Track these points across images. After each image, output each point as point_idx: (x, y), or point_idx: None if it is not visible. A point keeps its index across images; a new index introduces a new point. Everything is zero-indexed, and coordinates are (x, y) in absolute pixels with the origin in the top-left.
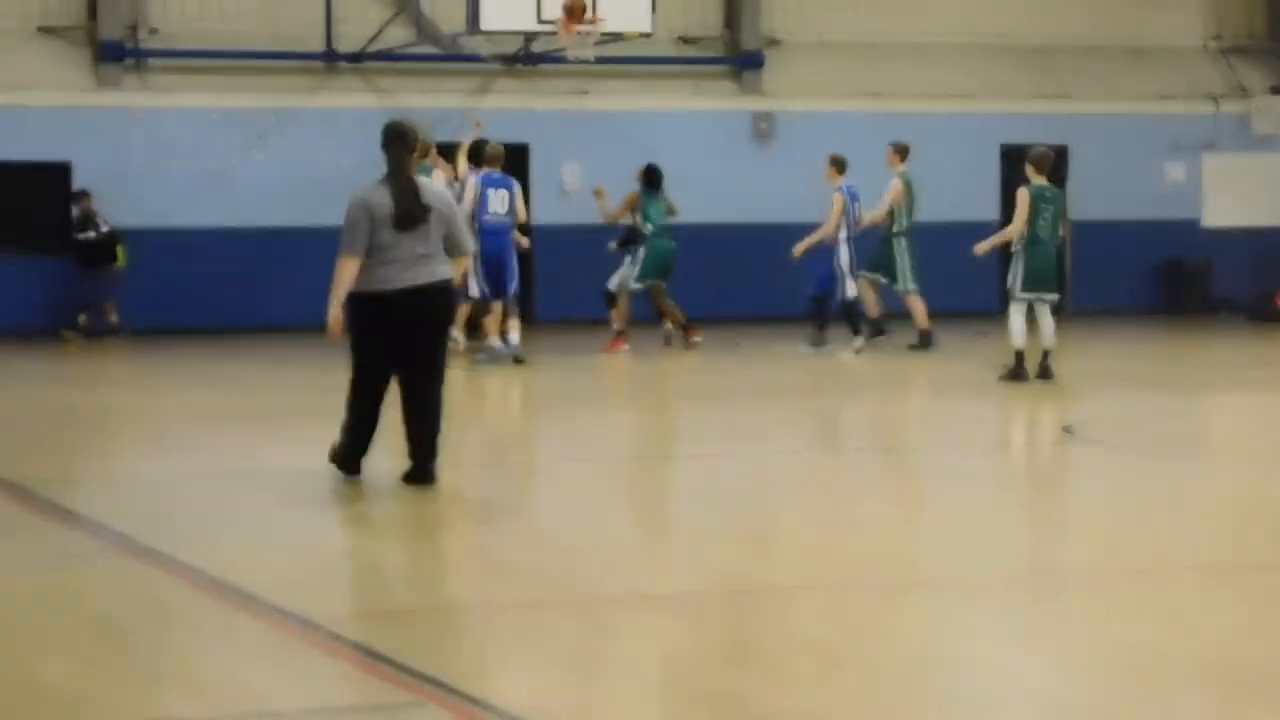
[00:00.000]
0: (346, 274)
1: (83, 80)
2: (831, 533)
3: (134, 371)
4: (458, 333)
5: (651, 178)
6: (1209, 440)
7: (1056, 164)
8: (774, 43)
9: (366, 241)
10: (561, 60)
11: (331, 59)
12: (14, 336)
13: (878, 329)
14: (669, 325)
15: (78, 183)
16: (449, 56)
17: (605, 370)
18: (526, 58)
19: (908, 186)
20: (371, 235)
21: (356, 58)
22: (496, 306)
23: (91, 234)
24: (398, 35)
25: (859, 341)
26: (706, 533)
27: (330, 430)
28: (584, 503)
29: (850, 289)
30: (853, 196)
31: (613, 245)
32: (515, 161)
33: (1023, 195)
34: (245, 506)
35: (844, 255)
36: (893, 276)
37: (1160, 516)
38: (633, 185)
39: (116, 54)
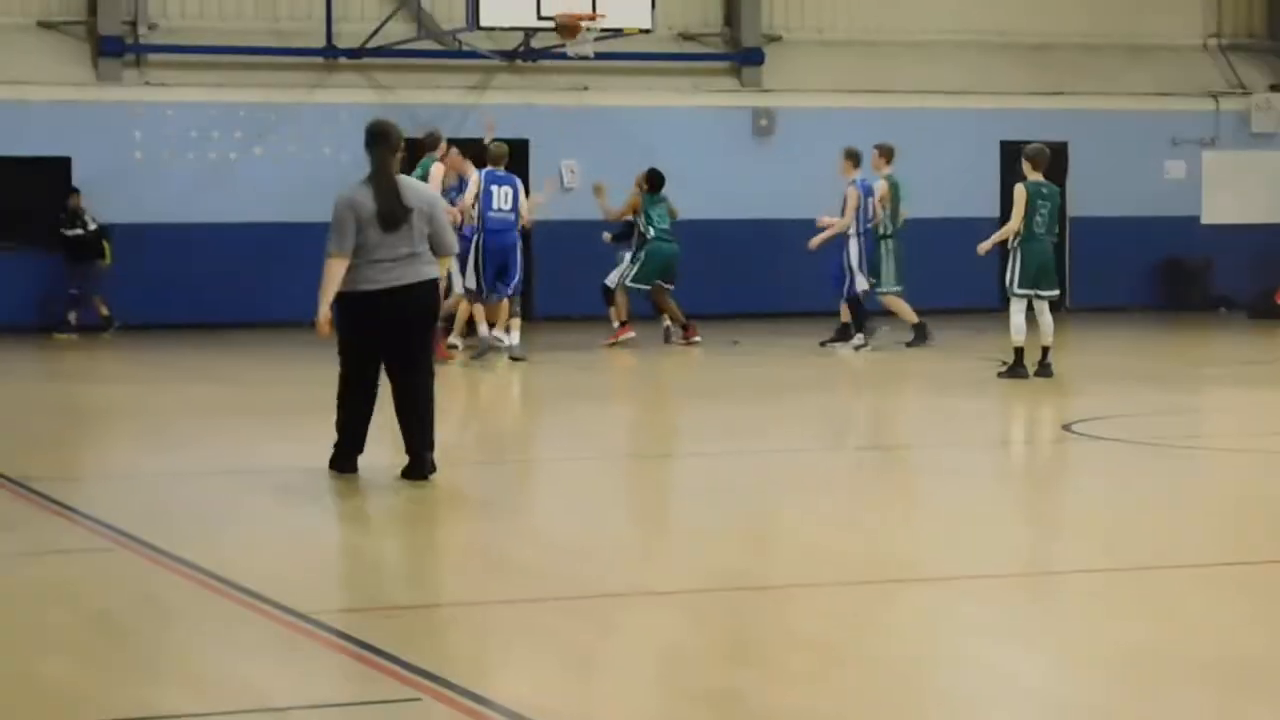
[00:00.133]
0: (335, 273)
1: (83, 75)
2: (831, 530)
3: (133, 367)
4: (456, 337)
5: (654, 181)
6: (1208, 437)
7: (1054, 161)
8: (774, 39)
9: (354, 241)
10: (562, 56)
11: (331, 55)
12: (14, 331)
13: (846, 334)
14: (668, 322)
15: (78, 178)
16: (449, 53)
17: (604, 367)
18: (527, 54)
19: (894, 189)
20: (358, 234)
21: (356, 54)
22: (503, 302)
23: (80, 230)
24: (398, 31)
25: (859, 338)
26: (706, 530)
27: (329, 427)
28: (584, 500)
29: (859, 283)
30: (866, 191)
31: (607, 236)
32: (516, 157)
33: (1020, 192)
34: (245, 503)
35: (853, 250)
36: (878, 277)
37: (1159, 514)
38: (632, 183)
39: (116, 49)
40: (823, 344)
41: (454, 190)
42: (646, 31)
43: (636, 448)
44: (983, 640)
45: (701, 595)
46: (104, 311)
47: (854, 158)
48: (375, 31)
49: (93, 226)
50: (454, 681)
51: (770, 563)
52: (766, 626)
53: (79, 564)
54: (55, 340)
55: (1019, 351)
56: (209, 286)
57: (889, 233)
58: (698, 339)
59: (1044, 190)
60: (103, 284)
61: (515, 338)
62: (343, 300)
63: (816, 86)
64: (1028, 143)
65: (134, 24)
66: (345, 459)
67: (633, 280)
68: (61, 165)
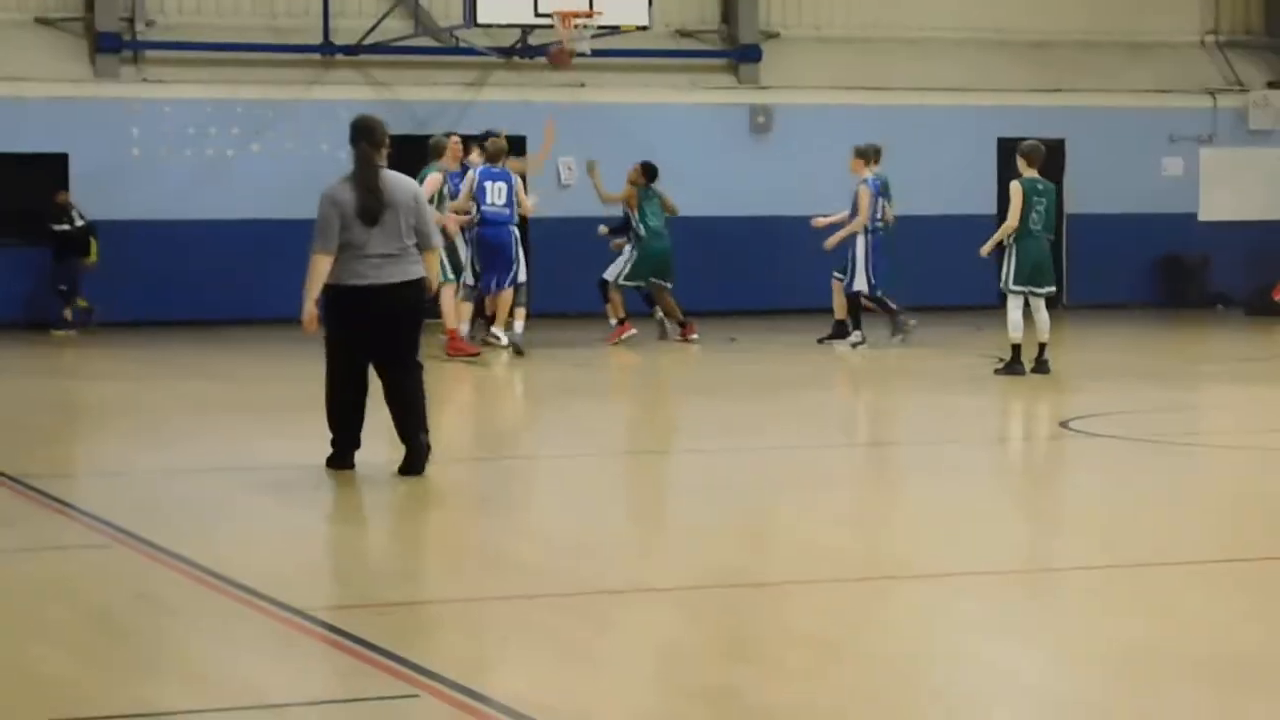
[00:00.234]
0: (319, 271)
1: (80, 72)
2: (828, 527)
3: (130, 364)
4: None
5: (648, 174)
6: (1206, 434)
7: (1052, 158)
8: (771, 36)
9: (338, 238)
10: None
11: (328, 52)
12: (12, 327)
13: (843, 330)
14: (663, 317)
15: (75, 174)
16: (446, 49)
17: (602, 363)
18: (524, 50)
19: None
20: (343, 231)
21: (353, 50)
22: (505, 294)
23: (66, 226)
24: (395, 28)
25: (857, 335)
26: (704, 527)
27: (325, 424)
28: (581, 497)
29: (859, 281)
30: (878, 189)
31: (604, 229)
32: (512, 154)
33: (1015, 188)
34: (241, 499)
35: (860, 247)
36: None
37: (1157, 511)
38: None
39: (114, 46)
40: (820, 340)
41: (455, 177)
42: (644, 28)
43: (634, 444)
44: (980, 637)
45: (699, 592)
46: (82, 304)
47: (865, 155)
48: (372, 28)
49: (80, 222)
50: (451, 678)
51: (768, 559)
52: (764, 623)
53: (76, 560)
54: (53, 337)
55: (1016, 348)
56: (206, 283)
57: (871, 229)
58: (695, 337)
59: (1039, 187)
60: (86, 281)
61: (518, 329)
62: (330, 294)
63: (814, 83)
64: (1025, 140)
65: (131, 21)
66: (341, 456)
67: (625, 278)
68: (59, 162)
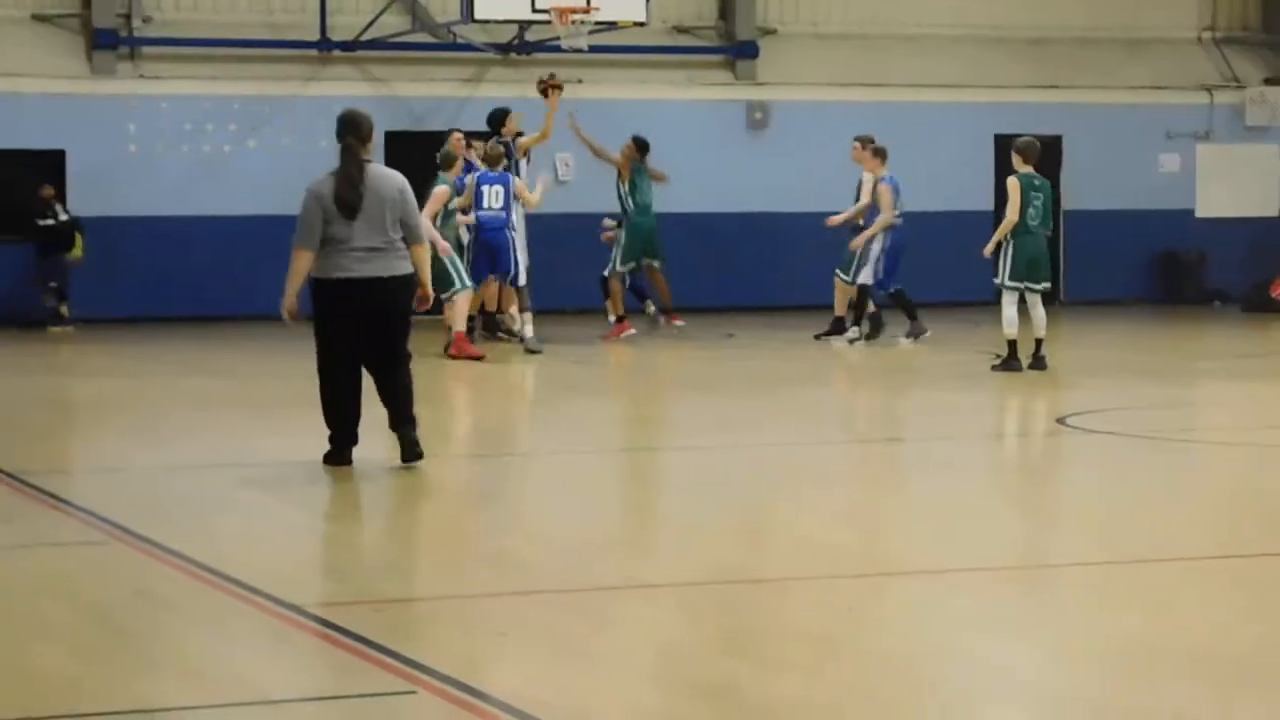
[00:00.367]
0: (299, 265)
1: (77, 68)
2: (826, 524)
3: (126, 360)
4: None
5: (641, 147)
6: (1203, 431)
7: (1046, 154)
8: (768, 32)
9: (319, 232)
10: (556, 49)
11: (325, 48)
12: (12, 324)
13: (841, 327)
14: (652, 309)
15: (72, 171)
16: (443, 45)
17: (600, 360)
18: (521, 46)
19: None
20: (326, 225)
21: (350, 46)
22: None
23: (51, 221)
24: (392, 24)
25: (854, 331)
26: (701, 524)
27: (322, 420)
28: (578, 493)
29: (867, 274)
30: (896, 187)
31: (609, 223)
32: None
33: (1013, 183)
34: (238, 496)
35: (876, 241)
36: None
37: (1154, 507)
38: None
39: (111, 42)
40: (817, 337)
41: (461, 179)
42: (641, 24)
43: (631, 441)
44: (977, 633)
45: (696, 588)
46: (49, 303)
47: (881, 154)
48: (370, 24)
49: (64, 217)
50: (448, 674)
51: (765, 556)
52: (761, 619)
53: (74, 557)
54: (50, 333)
55: (1012, 344)
56: (203, 279)
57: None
58: (679, 323)
59: (1035, 183)
60: (68, 277)
61: (529, 331)
62: (316, 287)
63: (811, 80)
64: (1022, 136)
65: (128, 17)
66: (339, 452)
67: (621, 263)
68: (55, 158)
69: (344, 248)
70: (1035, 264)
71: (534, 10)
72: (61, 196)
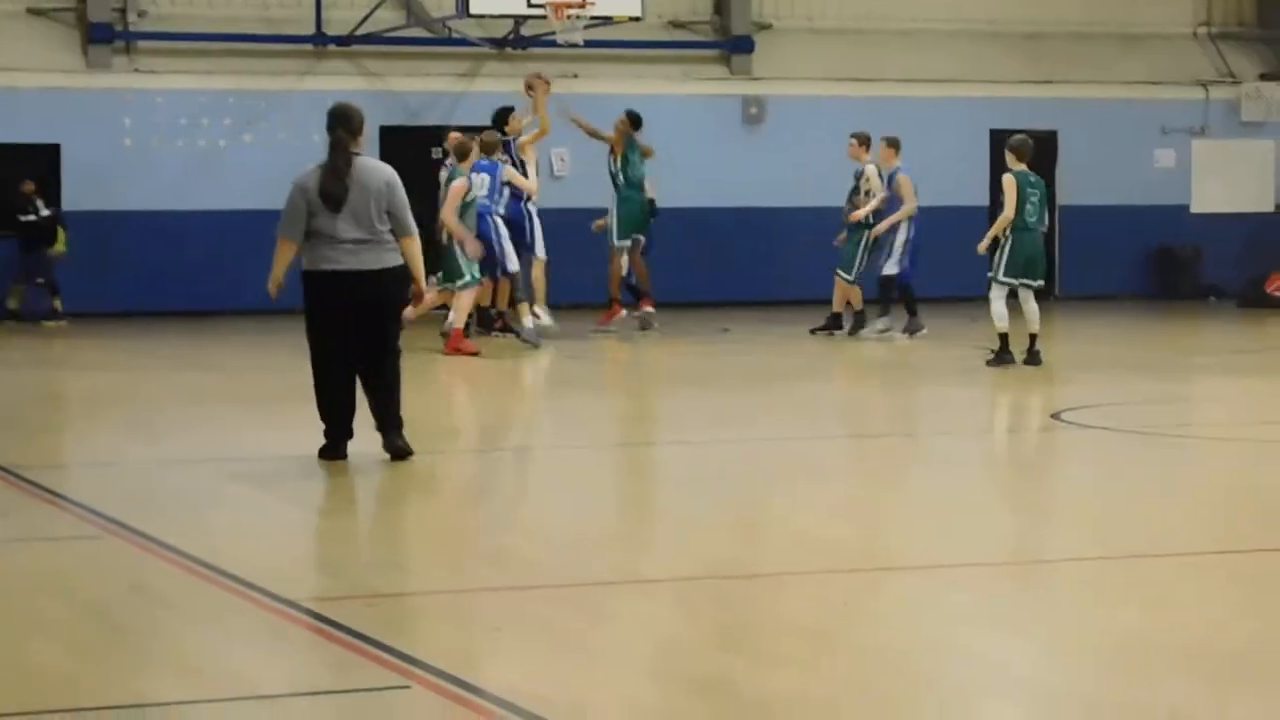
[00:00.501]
0: (281, 253)
1: (72, 63)
2: (821, 519)
3: (122, 355)
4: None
5: (635, 121)
6: (1198, 426)
7: (1044, 149)
8: (764, 27)
9: (303, 225)
10: (551, 44)
11: (321, 42)
12: (11, 319)
13: (838, 323)
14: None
15: (67, 165)
16: (439, 40)
17: (595, 355)
18: (516, 41)
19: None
20: (312, 218)
21: (346, 41)
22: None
23: (32, 216)
24: (387, 18)
25: (884, 321)
26: (696, 519)
27: (316, 414)
28: (574, 488)
29: (891, 266)
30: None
31: (598, 223)
32: (505, 145)
33: (1009, 180)
34: (233, 490)
35: (901, 232)
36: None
37: (1149, 502)
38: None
39: (106, 36)
40: (813, 331)
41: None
42: (636, 19)
43: (627, 436)
44: (972, 628)
45: (692, 583)
46: (13, 305)
47: (895, 145)
48: (365, 19)
49: (45, 213)
50: (443, 669)
51: (760, 551)
52: (757, 614)
53: (69, 551)
54: (44, 328)
55: (1004, 337)
56: (198, 274)
57: (872, 224)
58: (650, 310)
59: (1031, 179)
60: (49, 272)
61: (527, 323)
62: (306, 279)
63: (806, 75)
64: (1018, 132)
65: (123, 11)
66: (333, 447)
67: (619, 238)
68: (51, 153)
69: (331, 240)
70: (1032, 262)
71: (529, 5)
72: (44, 191)
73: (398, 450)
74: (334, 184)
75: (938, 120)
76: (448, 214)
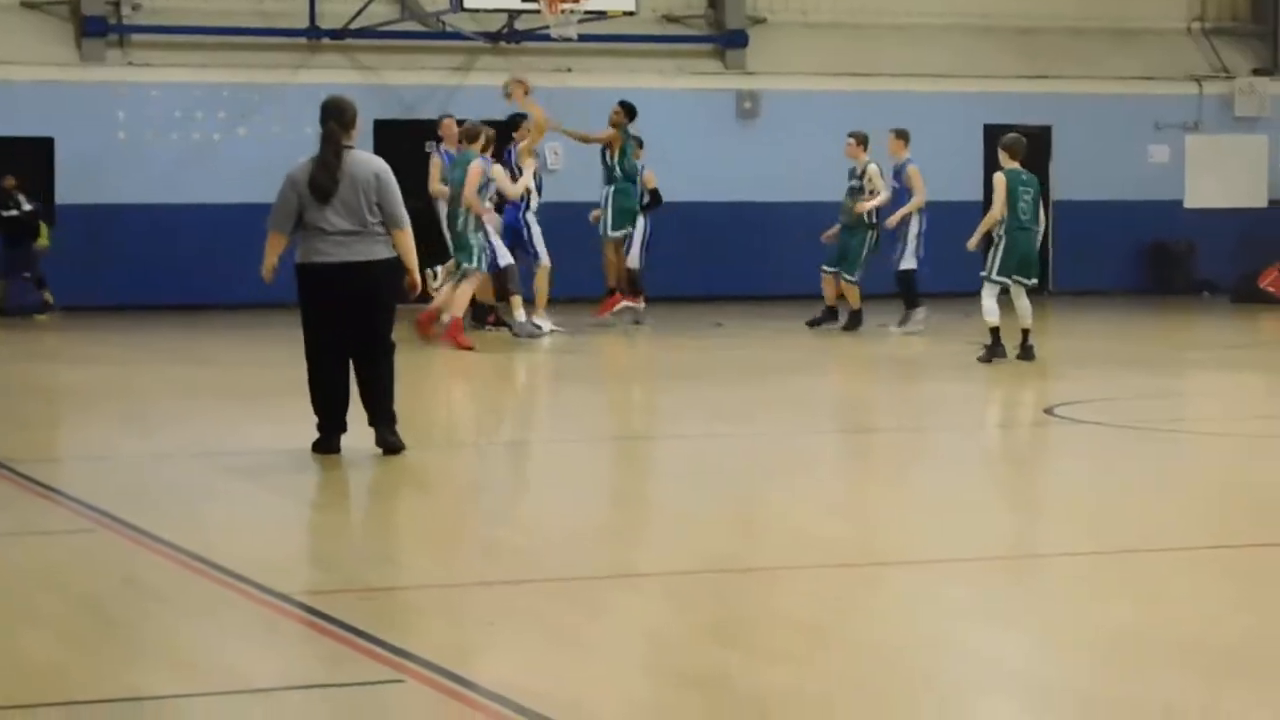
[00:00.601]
0: (271, 247)
1: (66, 56)
2: (816, 513)
3: (114, 348)
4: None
5: (630, 113)
6: (1192, 421)
7: (1036, 145)
8: (758, 21)
9: (293, 217)
10: (545, 38)
11: (315, 36)
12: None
13: (833, 316)
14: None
15: (61, 158)
16: (433, 34)
17: (590, 349)
18: (510, 35)
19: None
20: (303, 210)
21: (340, 34)
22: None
23: (14, 211)
24: (381, 12)
25: (921, 313)
26: (691, 513)
27: (309, 408)
28: (568, 482)
29: (908, 261)
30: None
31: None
32: (499, 139)
33: (1000, 179)
34: (226, 484)
35: (914, 225)
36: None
37: (1143, 497)
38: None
39: (100, 29)
40: (809, 324)
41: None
42: (630, 13)
43: (622, 430)
44: (967, 623)
45: (687, 578)
46: None
47: (904, 137)
48: (359, 12)
49: (27, 207)
50: (437, 663)
51: (756, 545)
52: (752, 609)
53: (62, 545)
54: (35, 321)
55: (995, 331)
56: (192, 267)
57: (874, 223)
58: (625, 305)
59: (1024, 178)
60: (33, 266)
61: (520, 316)
62: (299, 272)
63: (800, 69)
64: (1012, 126)
65: (117, 4)
66: (327, 440)
67: (614, 229)
68: (44, 146)
69: (321, 233)
70: (1026, 261)
71: None
72: (25, 186)
73: (389, 445)
74: (324, 176)
75: (932, 115)
76: (469, 193)
